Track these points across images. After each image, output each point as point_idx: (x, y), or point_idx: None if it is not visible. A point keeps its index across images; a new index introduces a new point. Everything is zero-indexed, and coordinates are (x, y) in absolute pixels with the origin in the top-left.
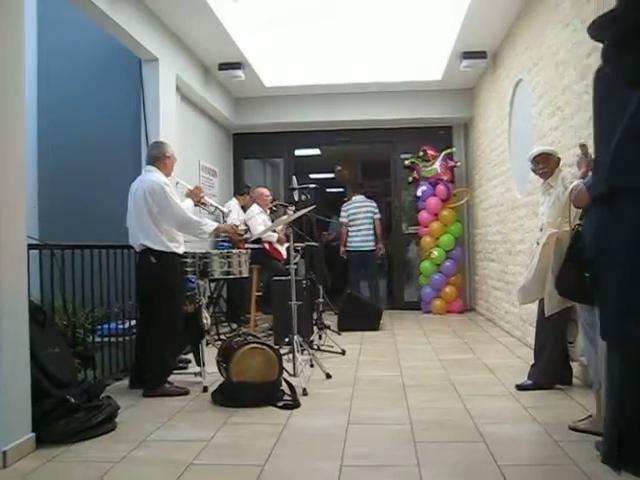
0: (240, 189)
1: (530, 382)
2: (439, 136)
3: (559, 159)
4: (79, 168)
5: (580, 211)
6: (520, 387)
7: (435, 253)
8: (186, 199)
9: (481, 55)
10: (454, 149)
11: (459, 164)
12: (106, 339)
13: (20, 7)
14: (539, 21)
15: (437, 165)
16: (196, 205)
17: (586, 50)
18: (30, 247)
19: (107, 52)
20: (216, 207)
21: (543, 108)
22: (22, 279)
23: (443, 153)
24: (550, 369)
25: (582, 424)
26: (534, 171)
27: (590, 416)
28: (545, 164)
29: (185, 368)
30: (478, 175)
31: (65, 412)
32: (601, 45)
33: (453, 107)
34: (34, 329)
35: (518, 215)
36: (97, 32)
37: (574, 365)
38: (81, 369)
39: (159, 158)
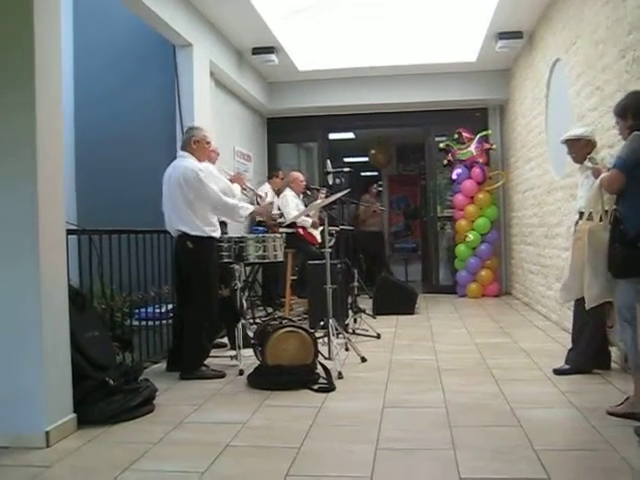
0: (271, 173)
1: (568, 366)
2: (474, 118)
3: (589, 141)
4: (116, 158)
5: (614, 197)
6: (557, 371)
7: (470, 236)
8: (233, 184)
9: (517, 35)
10: (489, 131)
11: (495, 147)
12: (143, 323)
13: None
14: None
15: (472, 148)
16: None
17: (627, 27)
18: (69, 232)
19: (141, 42)
20: (254, 192)
21: (581, 88)
22: (61, 264)
23: (478, 135)
24: (588, 353)
25: (620, 408)
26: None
27: (628, 398)
28: (571, 149)
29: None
30: (514, 157)
31: (104, 394)
32: None
33: (488, 89)
34: (74, 313)
35: (555, 198)
36: (131, 23)
37: (613, 350)
38: (119, 352)
39: (188, 143)
